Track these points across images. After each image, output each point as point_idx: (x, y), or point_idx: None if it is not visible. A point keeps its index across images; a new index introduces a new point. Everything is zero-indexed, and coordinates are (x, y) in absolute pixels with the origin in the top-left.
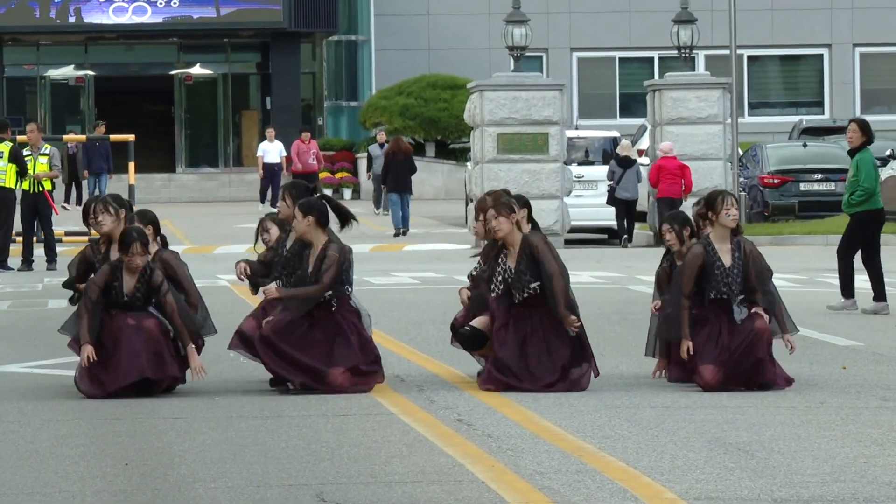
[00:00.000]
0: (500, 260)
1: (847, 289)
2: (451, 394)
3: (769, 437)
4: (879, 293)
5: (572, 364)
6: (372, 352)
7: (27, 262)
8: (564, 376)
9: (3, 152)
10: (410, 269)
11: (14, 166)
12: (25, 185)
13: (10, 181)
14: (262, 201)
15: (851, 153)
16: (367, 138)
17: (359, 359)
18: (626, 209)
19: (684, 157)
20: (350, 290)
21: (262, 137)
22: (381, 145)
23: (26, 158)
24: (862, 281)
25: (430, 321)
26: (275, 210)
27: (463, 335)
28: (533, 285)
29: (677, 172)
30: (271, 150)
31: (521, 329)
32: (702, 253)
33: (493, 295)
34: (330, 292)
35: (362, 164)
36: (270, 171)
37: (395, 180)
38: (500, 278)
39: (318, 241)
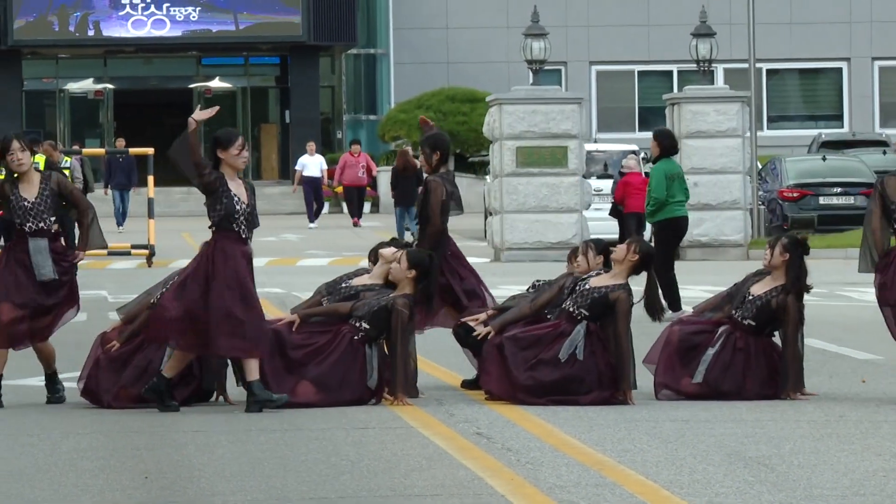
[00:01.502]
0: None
1: (675, 301)
2: (470, 407)
3: (789, 451)
4: (674, 302)
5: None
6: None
7: None
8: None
9: (38, 164)
10: None
11: None
12: None
13: None
14: (312, 220)
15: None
16: (386, 152)
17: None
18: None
19: (703, 170)
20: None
21: (282, 151)
22: None
23: None
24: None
25: (450, 334)
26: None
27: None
28: (584, 312)
29: (642, 188)
30: (311, 164)
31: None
32: None
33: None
34: (368, 327)
35: (382, 178)
36: (312, 186)
37: (403, 194)
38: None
39: (401, 290)
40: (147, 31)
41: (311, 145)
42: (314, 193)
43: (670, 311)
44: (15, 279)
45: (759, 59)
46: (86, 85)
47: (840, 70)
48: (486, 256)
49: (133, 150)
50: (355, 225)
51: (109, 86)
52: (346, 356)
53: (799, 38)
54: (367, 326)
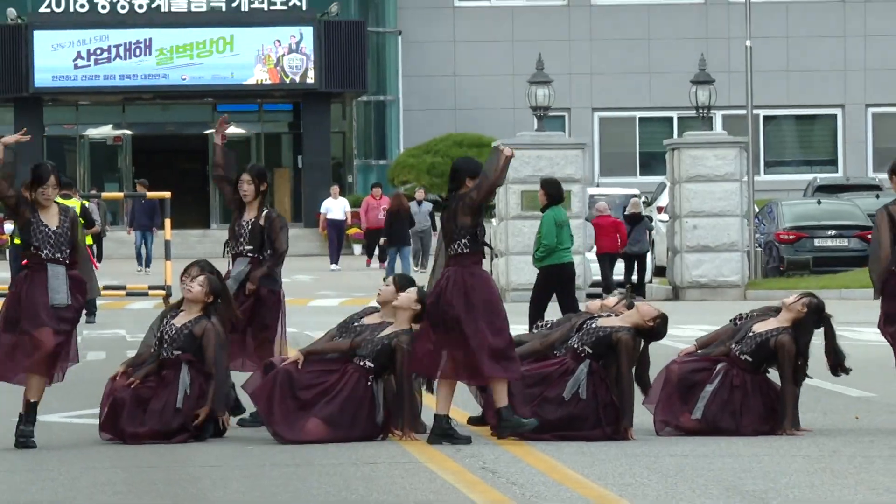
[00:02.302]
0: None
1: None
2: (476, 442)
3: (784, 485)
4: None
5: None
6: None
7: None
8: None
9: (74, 207)
10: None
11: (83, 221)
12: None
13: None
14: (334, 261)
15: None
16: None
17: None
18: (638, 263)
19: (702, 213)
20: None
21: (295, 194)
22: (420, 203)
23: None
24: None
25: None
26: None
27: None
28: (588, 349)
29: (612, 229)
30: (335, 207)
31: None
32: None
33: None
34: (372, 365)
35: None
36: (336, 228)
37: (396, 234)
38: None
39: (400, 325)
40: (164, 79)
41: (335, 189)
42: (337, 235)
43: None
44: (42, 304)
45: (756, 105)
46: (105, 131)
47: (835, 116)
48: None
49: (150, 194)
50: (368, 265)
51: (128, 132)
52: (354, 394)
53: (795, 85)
54: (372, 365)
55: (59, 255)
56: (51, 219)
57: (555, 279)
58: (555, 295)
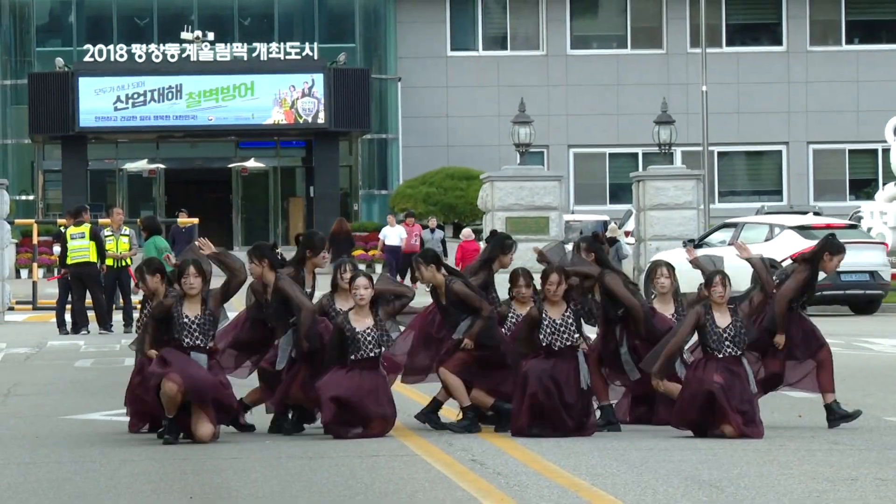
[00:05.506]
0: (543, 315)
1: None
2: (466, 438)
3: (737, 475)
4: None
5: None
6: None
7: (108, 326)
8: (584, 422)
9: (84, 233)
10: None
11: (94, 244)
12: (109, 262)
13: (92, 257)
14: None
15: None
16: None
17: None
18: None
19: (664, 237)
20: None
21: (308, 220)
22: (433, 230)
23: (109, 238)
24: None
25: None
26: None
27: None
28: (576, 336)
29: (475, 254)
30: (391, 234)
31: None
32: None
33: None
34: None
35: None
36: (393, 253)
37: (339, 252)
38: (548, 329)
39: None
40: (193, 120)
41: (391, 218)
42: (395, 259)
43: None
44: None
45: (711, 143)
46: (141, 165)
47: (780, 152)
48: None
49: (181, 221)
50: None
51: (161, 166)
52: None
53: (745, 125)
54: (379, 350)
55: (198, 342)
56: (193, 309)
57: None
58: None
